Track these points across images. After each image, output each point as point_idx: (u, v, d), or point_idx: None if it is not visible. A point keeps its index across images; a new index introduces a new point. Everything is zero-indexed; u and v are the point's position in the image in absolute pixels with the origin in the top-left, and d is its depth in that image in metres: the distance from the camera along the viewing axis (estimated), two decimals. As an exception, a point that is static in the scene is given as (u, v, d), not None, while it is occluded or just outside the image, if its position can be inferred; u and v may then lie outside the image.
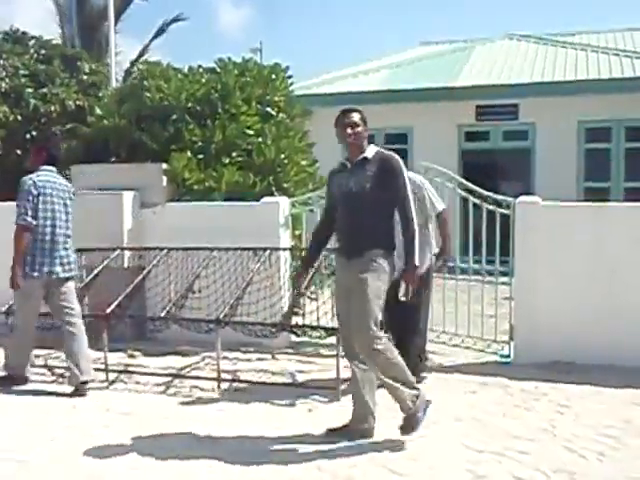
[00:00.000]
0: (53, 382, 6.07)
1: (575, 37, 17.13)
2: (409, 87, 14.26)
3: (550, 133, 13.37)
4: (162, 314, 6.22)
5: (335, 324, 5.17)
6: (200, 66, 9.06)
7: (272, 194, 7.81)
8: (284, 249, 7.04)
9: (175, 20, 22.92)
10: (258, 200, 7.43)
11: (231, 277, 6.68)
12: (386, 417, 4.60)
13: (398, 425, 4.43)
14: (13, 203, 5.79)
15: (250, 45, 40.71)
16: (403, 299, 4.48)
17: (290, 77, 9.16)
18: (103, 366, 6.07)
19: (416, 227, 4.42)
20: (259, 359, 6.68)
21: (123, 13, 22.05)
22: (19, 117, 12.47)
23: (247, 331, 6.07)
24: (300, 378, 6.09)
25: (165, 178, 7.80)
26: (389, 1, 62.51)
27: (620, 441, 4.48)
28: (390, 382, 4.35)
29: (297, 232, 7.68)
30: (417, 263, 4.41)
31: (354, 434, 4.52)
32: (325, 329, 5.81)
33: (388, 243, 4.46)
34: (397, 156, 4.60)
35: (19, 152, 12.52)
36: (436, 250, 5.80)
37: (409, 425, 4.39)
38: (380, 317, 4.37)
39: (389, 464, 4.13)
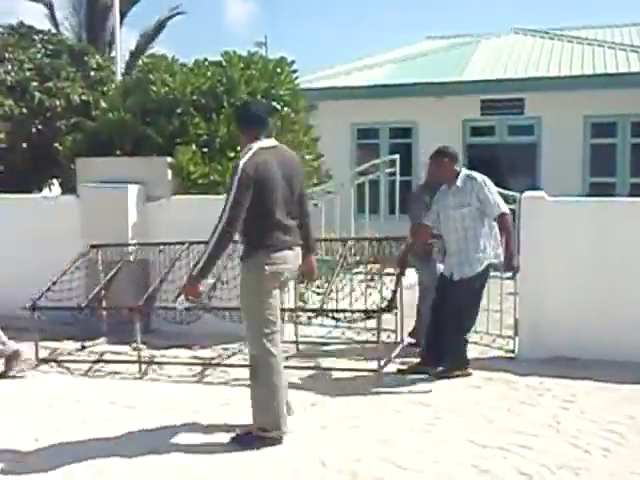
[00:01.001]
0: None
1: (581, 32, 17.08)
2: (414, 81, 14.24)
3: (556, 128, 13.35)
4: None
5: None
6: (206, 59, 9.04)
7: (277, 188, 7.79)
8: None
9: (174, 15, 22.83)
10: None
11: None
12: (389, 411, 4.60)
13: (231, 435, 4.40)
14: (18, 195, 5.78)
15: (255, 39, 40.63)
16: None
17: (295, 71, 9.13)
18: (135, 358, 6.17)
19: (218, 230, 4.20)
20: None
21: (131, 9, 22.01)
22: (24, 110, 12.48)
23: (286, 317, 6.05)
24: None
25: (170, 172, 7.79)
26: (394, -5, 62.33)
27: (625, 437, 4.47)
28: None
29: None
30: (195, 273, 4.25)
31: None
32: (365, 312, 5.86)
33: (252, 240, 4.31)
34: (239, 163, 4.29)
35: (24, 145, 12.54)
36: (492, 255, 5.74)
37: (239, 439, 4.34)
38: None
39: (393, 458, 4.13)
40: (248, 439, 4.33)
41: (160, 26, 22.56)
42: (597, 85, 13.09)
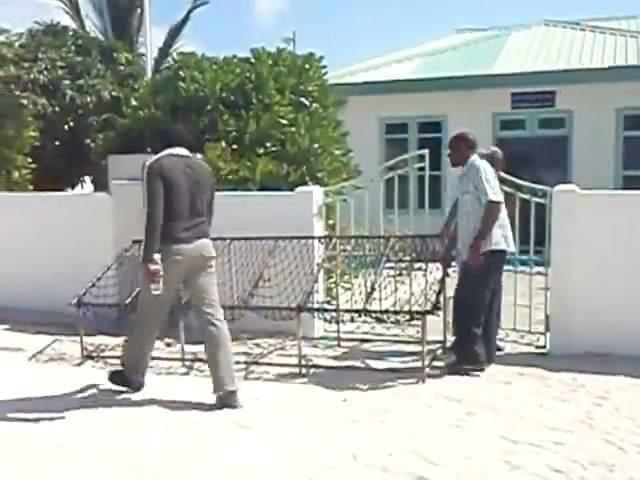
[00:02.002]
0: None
1: (613, 22, 16.80)
2: (443, 75, 14.14)
3: (587, 121, 13.16)
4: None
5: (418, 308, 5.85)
6: (234, 56, 9.09)
7: (306, 184, 7.81)
8: (354, 237, 7.26)
9: (198, 5, 22.68)
10: (292, 190, 7.44)
11: (292, 265, 6.82)
12: (420, 406, 4.58)
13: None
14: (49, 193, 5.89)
15: (284, 33, 40.62)
16: None
17: (324, 67, 9.14)
18: (179, 356, 6.30)
19: (147, 218, 4.89)
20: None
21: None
22: (57, 109, 12.66)
23: (328, 317, 6.13)
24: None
25: (200, 168, 7.84)
26: (423, -12, 61.82)
27: (660, 434, 4.41)
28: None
29: (330, 222, 7.67)
30: (142, 258, 4.95)
31: None
32: (409, 313, 5.82)
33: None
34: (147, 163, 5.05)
35: (57, 143, 12.72)
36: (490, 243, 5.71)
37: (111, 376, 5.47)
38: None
39: (424, 453, 4.13)
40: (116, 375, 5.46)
41: (185, 18, 22.52)
42: (630, 77, 12.88)
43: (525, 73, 13.80)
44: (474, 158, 5.83)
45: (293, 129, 8.24)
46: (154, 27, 45.48)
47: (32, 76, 12.89)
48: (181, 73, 8.76)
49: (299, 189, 7.41)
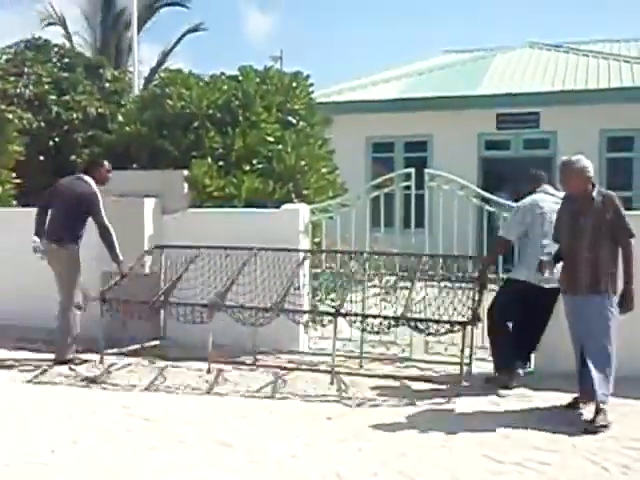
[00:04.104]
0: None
1: (597, 45, 17.06)
2: (429, 95, 14.26)
3: (572, 142, 13.24)
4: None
5: (460, 318, 5.73)
6: (222, 73, 9.11)
7: (292, 201, 7.82)
8: (387, 254, 7.26)
9: (193, 30, 22.98)
10: (278, 207, 7.44)
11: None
12: (407, 425, 4.54)
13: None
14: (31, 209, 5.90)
15: (272, 52, 40.77)
16: None
17: (311, 85, 9.18)
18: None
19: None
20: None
21: (147, 22, 22.17)
22: (42, 124, 12.60)
23: (366, 324, 6.05)
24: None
25: (186, 185, 7.83)
26: (411, 11, 62.45)
27: (644, 454, 4.41)
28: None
29: (316, 239, 7.67)
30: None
31: None
32: (450, 323, 5.77)
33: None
34: None
35: (42, 158, 12.64)
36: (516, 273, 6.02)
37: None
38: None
39: (410, 472, 4.11)
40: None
41: (178, 40, 22.80)
42: (613, 99, 13.05)
43: (510, 94, 13.95)
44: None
45: (279, 147, 8.26)
46: (150, 46, 45.69)
47: (18, 90, 12.83)
48: (168, 90, 8.76)
49: (285, 206, 7.41)
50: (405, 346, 6.94)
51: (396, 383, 6.11)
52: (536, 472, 4.13)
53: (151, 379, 6.23)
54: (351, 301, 6.59)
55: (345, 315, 6.10)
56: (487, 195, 7.11)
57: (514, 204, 6.35)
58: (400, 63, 17.99)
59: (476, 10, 57.81)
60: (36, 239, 6.82)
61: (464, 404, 5.45)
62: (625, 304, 5.01)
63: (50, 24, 21.45)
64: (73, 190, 6.80)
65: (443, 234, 7.07)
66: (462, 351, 5.71)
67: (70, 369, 6.55)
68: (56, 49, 14.92)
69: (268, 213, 7.42)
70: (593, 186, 5.10)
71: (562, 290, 5.36)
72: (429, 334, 5.99)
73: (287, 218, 7.25)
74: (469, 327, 5.76)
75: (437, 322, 5.85)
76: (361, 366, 6.59)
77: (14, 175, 11.16)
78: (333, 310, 6.18)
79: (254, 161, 8.20)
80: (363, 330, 6.18)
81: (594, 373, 4.89)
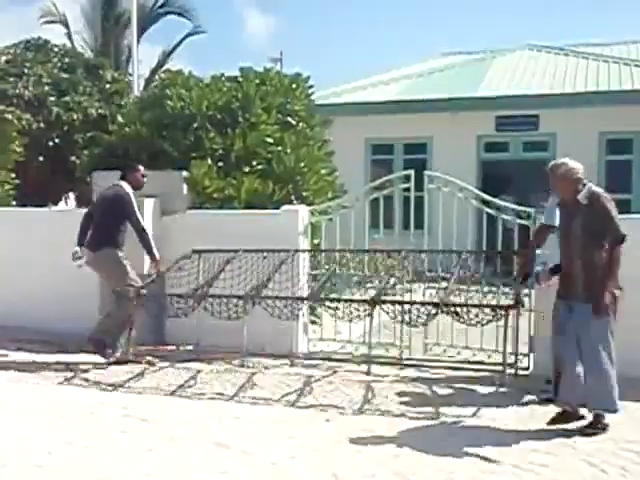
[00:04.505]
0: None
1: (596, 48, 17.05)
2: (429, 97, 14.26)
3: (571, 144, 13.25)
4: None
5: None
6: (222, 75, 9.12)
7: (291, 202, 7.83)
8: (431, 251, 7.13)
9: (193, 34, 22.97)
10: (277, 208, 7.45)
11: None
12: (404, 426, 4.54)
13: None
14: (32, 209, 5.88)
15: (273, 53, 40.81)
16: None
17: (311, 87, 9.20)
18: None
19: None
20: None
21: (151, 27, 22.19)
22: (41, 125, 12.62)
23: (404, 313, 5.80)
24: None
25: (185, 186, 7.84)
26: (410, 13, 62.55)
27: (642, 455, 4.42)
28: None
29: (316, 241, 7.67)
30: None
31: None
32: (492, 307, 5.53)
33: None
34: None
35: (41, 159, 12.66)
36: None
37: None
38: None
39: (407, 474, 4.11)
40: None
41: (178, 43, 22.79)
42: (612, 101, 13.05)
43: (509, 96, 13.96)
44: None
45: (279, 148, 8.27)
46: (151, 46, 45.65)
47: (17, 91, 12.86)
48: (168, 91, 8.77)
49: (285, 208, 7.42)
50: (404, 348, 6.94)
51: (412, 387, 6.05)
52: (533, 474, 4.13)
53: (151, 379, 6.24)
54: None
55: (382, 303, 5.87)
56: (486, 197, 7.12)
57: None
58: (399, 65, 18.01)
59: (475, 12, 57.90)
60: (77, 248, 6.93)
61: (461, 405, 5.45)
62: (594, 309, 4.76)
63: (51, 22, 21.40)
64: (109, 196, 6.94)
65: (442, 236, 7.08)
66: (505, 339, 5.44)
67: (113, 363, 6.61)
68: (56, 50, 14.94)
69: (267, 214, 7.42)
70: (584, 187, 4.94)
71: (557, 295, 5.18)
72: (470, 323, 5.63)
73: (286, 219, 7.25)
74: (513, 311, 5.51)
75: (478, 307, 5.60)
76: (368, 373, 6.48)
77: (13, 175, 11.18)
78: (369, 298, 6.03)
79: (254, 162, 8.21)
80: (401, 321, 5.89)
81: (590, 381, 4.75)
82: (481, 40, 52.75)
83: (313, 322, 7.52)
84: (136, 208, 6.83)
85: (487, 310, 5.55)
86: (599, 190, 4.97)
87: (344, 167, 9.59)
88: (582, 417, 4.91)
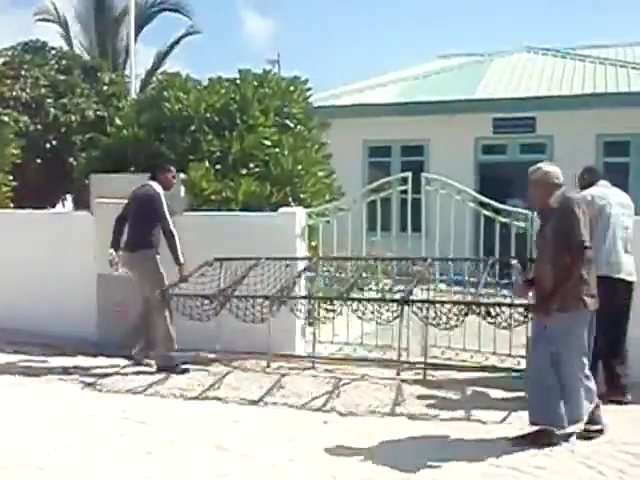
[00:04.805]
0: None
1: (593, 50, 17.08)
2: (426, 99, 14.28)
3: (568, 146, 13.30)
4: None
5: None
6: (220, 77, 9.12)
7: (289, 205, 7.83)
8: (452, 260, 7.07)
9: (189, 34, 22.90)
10: (275, 211, 7.45)
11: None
12: (403, 429, 4.53)
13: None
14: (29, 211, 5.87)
15: (270, 55, 40.82)
16: None
17: (309, 89, 9.21)
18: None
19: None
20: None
21: (146, 25, 22.10)
22: (39, 127, 12.60)
23: (434, 314, 5.63)
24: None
25: (183, 188, 7.83)
26: (408, 15, 62.61)
27: (640, 458, 4.42)
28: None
29: (313, 243, 7.68)
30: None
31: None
32: (524, 306, 5.27)
33: None
34: None
35: (38, 161, 12.65)
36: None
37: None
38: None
39: (406, 476, 4.12)
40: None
41: (173, 43, 22.67)
42: (609, 104, 13.06)
43: (506, 99, 13.96)
44: None
45: (277, 150, 8.27)
46: (146, 47, 45.45)
47: (15, 93, 12.85)
48: (165, 93, 8.77)
49: (283, 210, 7.42)
50: (402, 350, 6.94)
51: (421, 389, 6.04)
52: (532, 476, 4.14)
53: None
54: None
55: (412, 302, 5.71)
56: (484, 199, 7.12)
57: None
58: (397, 67, 18.01)
59: (475, 13, 57.97)
60: (111, 251, 6.84)
61: (460, 408, 5.44)
62: (531, 306, 4.71)
63: (46, 20, 21.34)
64: (140, 196, 6.84)
65: (440, 238, 7.09)
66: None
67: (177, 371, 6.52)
68: (54, 52, 14.94)
69: (265, 217, 7.42)
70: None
71: (531, 309, 5.03)
72: (502, 326, 5.45)
73: (284, 222, 7.25)
74: None
75: (510, 306, 5.42)
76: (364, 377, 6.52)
77: (11, 178, 11.18)
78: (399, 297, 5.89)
79: (251, 165, 8.21)
80: (431, 324, 5.72)
81: (570, 397, 4.56)
82: (480, 41, 52.71)
83: (311, 324, 7.51)
84: (166, 209, 6.73)
85: (520, 310, 5.32)
86: (575, 195, 4.90)
87: (342, 169, 9.60)
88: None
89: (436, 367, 6.54)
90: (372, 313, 5.79)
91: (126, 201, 6.96)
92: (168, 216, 6.71)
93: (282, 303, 6.23)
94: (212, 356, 6.90)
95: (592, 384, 4.70)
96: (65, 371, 6.60)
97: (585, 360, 4.64)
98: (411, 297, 5.80)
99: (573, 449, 4.57)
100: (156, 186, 6.85)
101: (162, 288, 6.49)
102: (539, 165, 5.04)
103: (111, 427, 5.05)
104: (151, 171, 7.03)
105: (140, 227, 6.76)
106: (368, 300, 6.04)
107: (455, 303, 5.69)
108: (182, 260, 6.67)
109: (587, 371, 4.67)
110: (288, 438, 4.81)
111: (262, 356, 6.80)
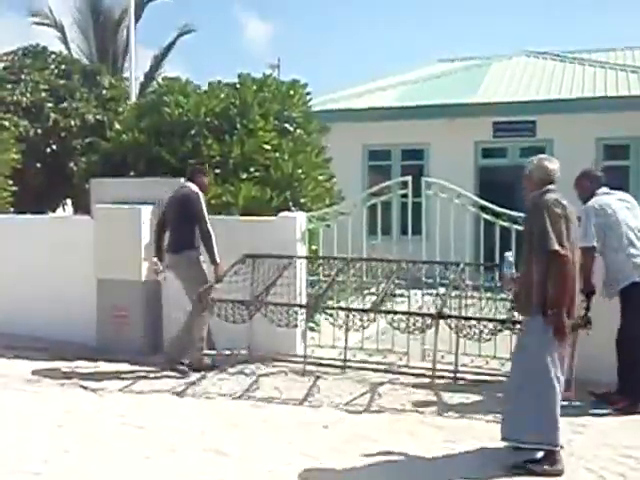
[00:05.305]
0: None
1: (592, 54, 17.10)
2: (426, 103, 14.29)
3: (568, 150, 13.27)
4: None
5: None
6: (219, 81, 9.13)
7: (289, 209, 7.83)
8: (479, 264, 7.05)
9: (185, 33, 22.72)
10: (275, 215, 7.45)
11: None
12: (403, 433, 4.51)
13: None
14: (29, 216, 5.85)
15: (270, 60, 40.83)
16: None
17: (308, 93, 9.22)
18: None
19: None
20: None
21: (136, 23, 21.98)
22: (39, 131, 12.61)
23: (467, 328, 5.63)
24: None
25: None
26: (408, 20, 62.74)
27: (641, 462, 4.41)
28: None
29: (313, 247, 7.67)
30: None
31: None
32: None
33: None
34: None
35: (38, 165, 12.65)
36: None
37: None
38: None
39: (403, 476, 4.11)
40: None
41: (170, 44, 22.54)
42: (609, 107, 13.08)
43: (506, 102, 13.98)
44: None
45: (277, 154, 8.27)
46: (143, 49, 45.43)
47: (15, 98, 12.86)
48: (165, 98, 8.78)
49: (283, 215, 7.42)
50: (402, 354, 6.93)
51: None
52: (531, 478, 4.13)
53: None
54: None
55: (447, 317, 5.70)
56: (484, 203, 7.12)
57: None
58: (396, 71, 18.03)
59: (475, 15, 58.08)
60: (155, 260, 6.90)
61: (458, 412, 5.43)
62: (554, 332, 4.18)
63: (42, 24, 21.32)
64: (178, 198, 6.81)
65: (440, 241, 7.09)
66: (572, 357, 4.95)
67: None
68: (53, 56, 14.96)
69: (265, 221, 7.42)
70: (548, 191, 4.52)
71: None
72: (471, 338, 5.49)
73: (284, 226, 7.25)
74: (583, 330, 5.08)
75: (485, 320, 5.42)
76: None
77: (11, 182, 11.18)
78: (433, 312, 5.87)
79: (251, 169, 8.21)
80: (464, 337, 5.69)
81: (527, 414, 4.27)
82: (480, 42, 52.95)
83: (311, 329, 7.50)
84: (204, 209, 6.72)
85: None
86: (555, 197, 4.54)
87: (342, 173, 9.60)
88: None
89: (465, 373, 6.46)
90: (406, 325, 5.84)
91: (163, 207, 6.97)
92: (206, 216, 6.70)
93: (316, 311, 6.21)
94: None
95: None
96: (65, 376, 6.59)
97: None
98: (444, 310, 5.80)
99: (573, 453, 4.56)
100: (193, 187, 6.83)
101: (202, 289, 6.50)
102: (540, 156, 4.80)
103: (110, 432, 5.04)
104: (188, 173, 7.00)
105: (182, 228, 6.74)
106: (403, 313, 6.04)
107: (490, 320, 5.61)
108: (218, 260, 6.68)
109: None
110: (286, 443, 4.79)
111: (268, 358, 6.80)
